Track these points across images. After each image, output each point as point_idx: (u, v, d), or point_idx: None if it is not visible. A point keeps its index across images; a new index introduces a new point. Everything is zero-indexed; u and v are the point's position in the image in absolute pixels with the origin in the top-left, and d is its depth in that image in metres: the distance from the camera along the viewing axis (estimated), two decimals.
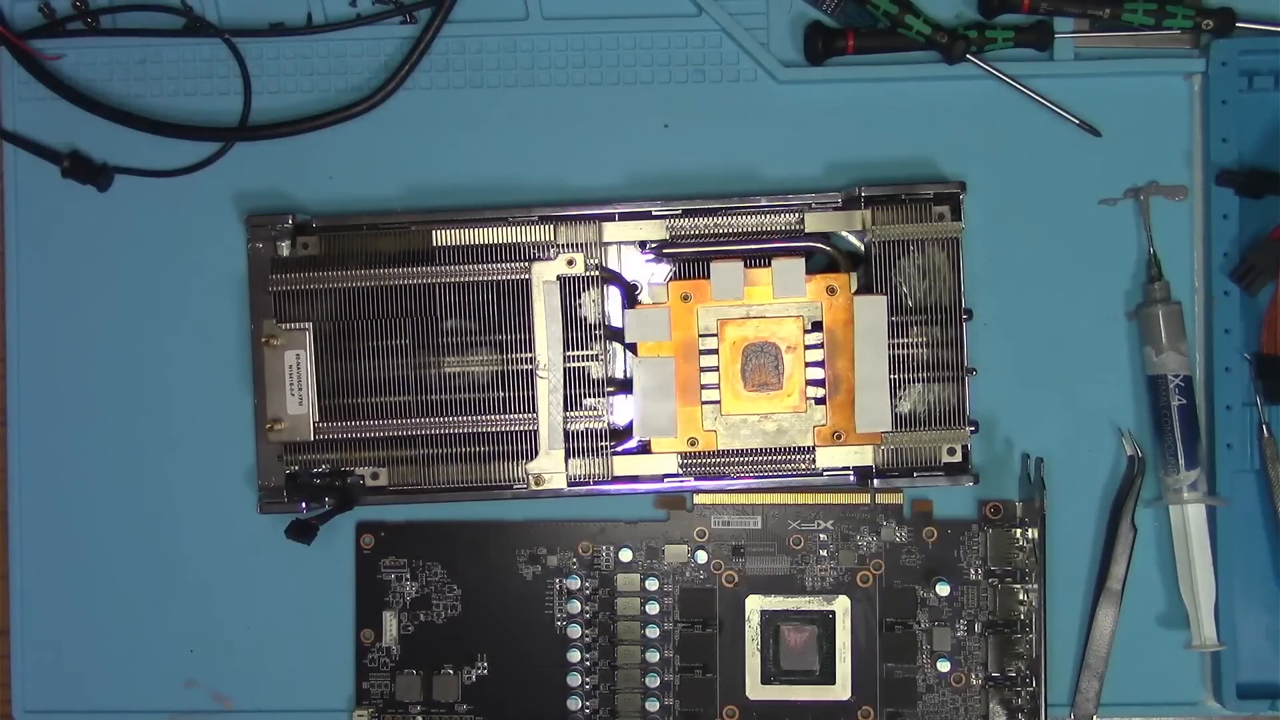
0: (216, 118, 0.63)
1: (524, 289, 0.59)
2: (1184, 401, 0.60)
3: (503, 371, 0.59)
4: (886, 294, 0.59)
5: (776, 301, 0.59)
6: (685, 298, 0.59)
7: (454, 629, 0.62)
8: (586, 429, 0.59)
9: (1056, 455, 0.61)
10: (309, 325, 0.60)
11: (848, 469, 0.60)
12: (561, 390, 0.59)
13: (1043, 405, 0.62)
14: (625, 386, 0.60)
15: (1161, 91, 0.62)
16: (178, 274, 0.63)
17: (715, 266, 0.59)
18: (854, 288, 0.59)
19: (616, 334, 0.60)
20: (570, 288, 0.59)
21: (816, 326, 0.59)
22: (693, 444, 0.59)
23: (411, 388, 0.59)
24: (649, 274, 0.61)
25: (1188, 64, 0.61)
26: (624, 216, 0.60)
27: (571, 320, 0.59)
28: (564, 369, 0.59)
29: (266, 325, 0.60)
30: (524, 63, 0.62)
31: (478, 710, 0.62)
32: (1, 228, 0.63)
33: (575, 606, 0.61)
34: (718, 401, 0.59)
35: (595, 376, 0.59)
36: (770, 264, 0.59)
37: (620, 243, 0.60)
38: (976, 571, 0.61)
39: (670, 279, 0.60)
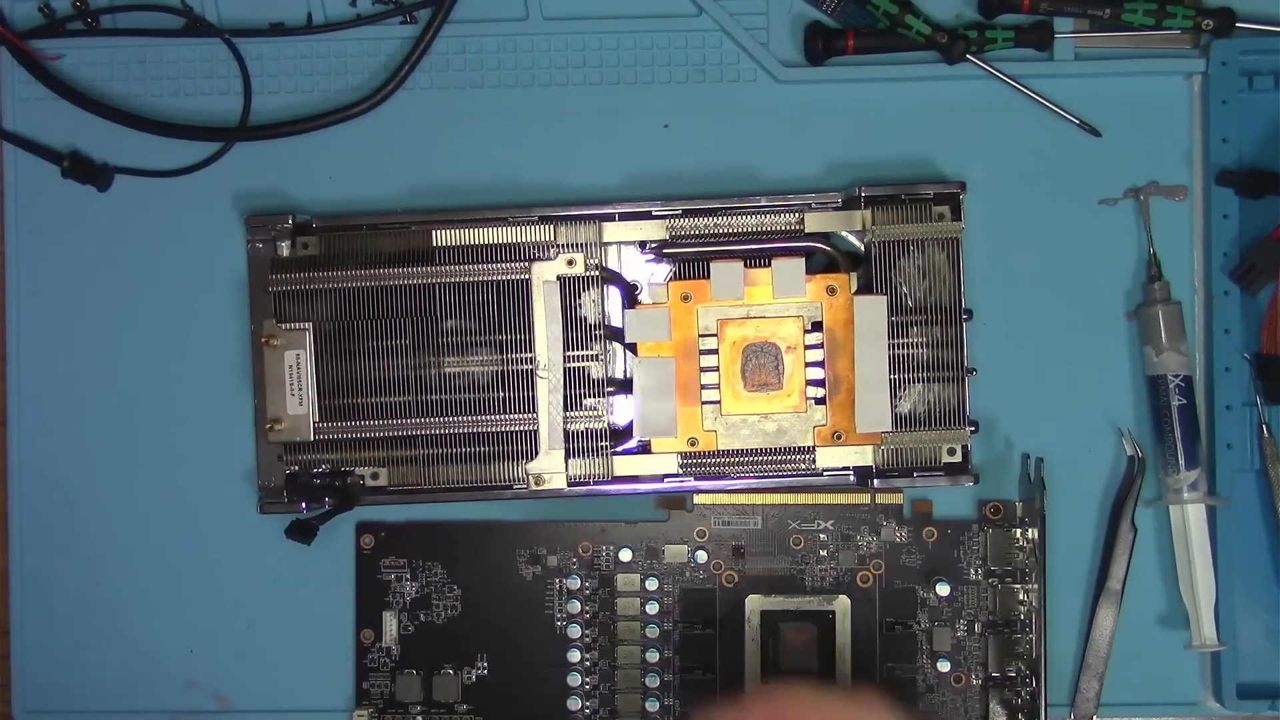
0: (216, 118, 0.63)
1: (524, 289, 0.59)
2: (1184, 401, 0.60)
3: (503, 371, 0.59)
4: (886, 294, 0.59)
5: (776, 301, 0.59)
6: (685, 298, 0.59)
7: (454, 629, 0.62)
8: (586, 429, 0.59)
9: (1056, 455, 0.61)
10: (309, 325, 0.60)
11: (848, 469, 0.60)
12: (561, 390, 0.59)
13: (1043, 405, 0.62)
14: (625, 386, 0.60)
15: (1161, 91, 0.62)
16: (178, 274, 0.63)
17: (715, 266, 0.59)
18: (854, 288, 0.59)
19: (616, 334, 0.60)
20: (570, 288, 0.59)
21: (816, 326, 0.59)
22: (693, 444, 0.59)
23: (411, 388, 0.59)
24: (649, 274, 0.61)
25: (1188, 64, 0.61)
26: (624, 216, 0.60)
27: (571, 320, 0.59)
28: (564, 369, 0.59)
29: (266, 325, 0.60)
30: (524, 63, 0.62)
31: (478, 710, 0.62)
32: (1, 228, 0.63)
33: (575, 606, 0.61)
34: (718, 401, 0.59)
35: (595, 376, 0.59)
36: (770, 264, 0.59)
37: (620, 243, 0.60)
38: (976, 571, 0.61)
39: (670, 279, 0.60)
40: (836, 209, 0.60)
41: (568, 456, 0.59)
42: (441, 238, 0.60)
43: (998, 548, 0.61)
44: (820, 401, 0.59)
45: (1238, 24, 0.60)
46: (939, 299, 0.59)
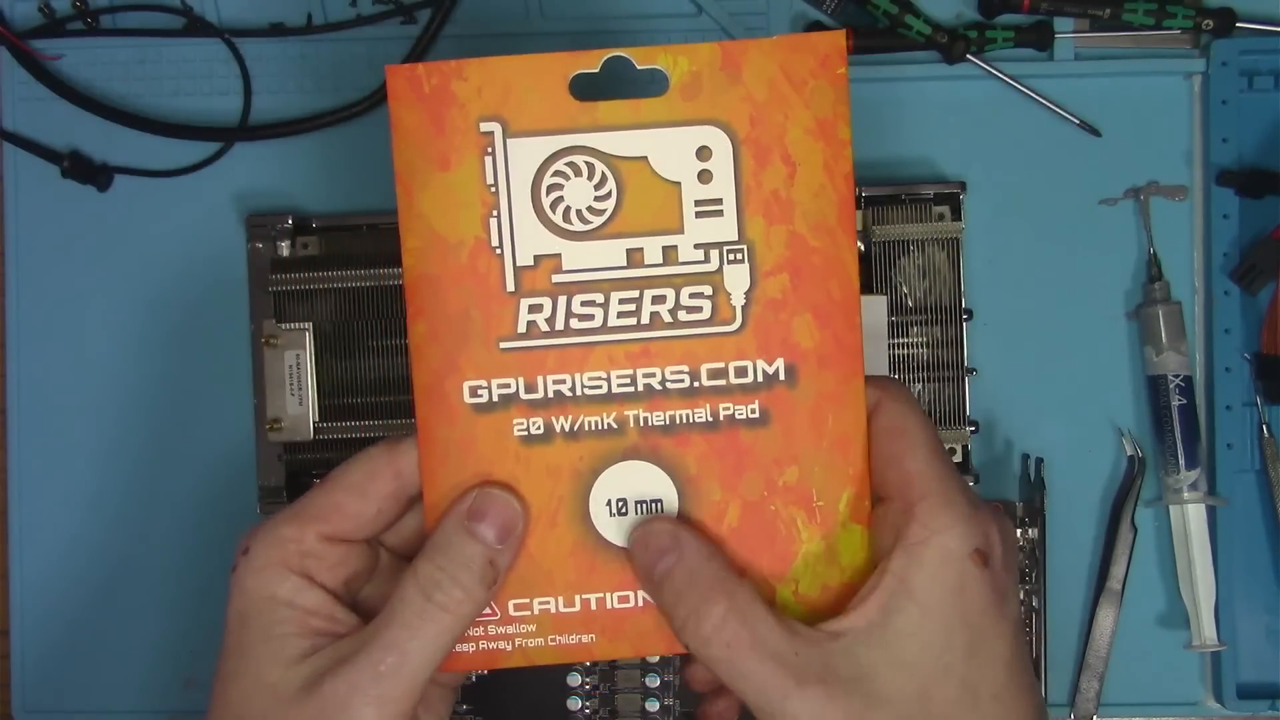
0: (216, 118, 0.63)
1: None
2: (1184, 401, 0.60)
3: None
4: (886, 294, 0.59)
5: None
6: None
7: None
8: None
9: (1056, 455, 0.61)
10: (309, 325, 0.60)
11: None
12: None
13: (1043, 405, 0.62)
14: None
15: (1161, 91, 0.62)
16: (178, 274, 0.63)
17: None
18: None
19: None
20: None
21: None
22: None
23: (411, 388, 0.59)
24: None
25: (1188, 64, 0.61)
26: None
27: None
28: None
29: (266, 325, 0.60)
30: None
31: (478, 710, 0.62)
32: (1, 228, 0.63)
33: None
34: None
35: None
36: None
37: None
38: None
39: None
40: None
41: None
42: None
43: None
44: None
45: (1238, 24, 0.60)
46: (939, 299, 0.59)
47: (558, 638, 0.41)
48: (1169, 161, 0.62)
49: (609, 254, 0.40)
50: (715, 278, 0.40)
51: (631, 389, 0.40)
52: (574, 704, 0.61)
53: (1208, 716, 0.61)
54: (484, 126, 0.40)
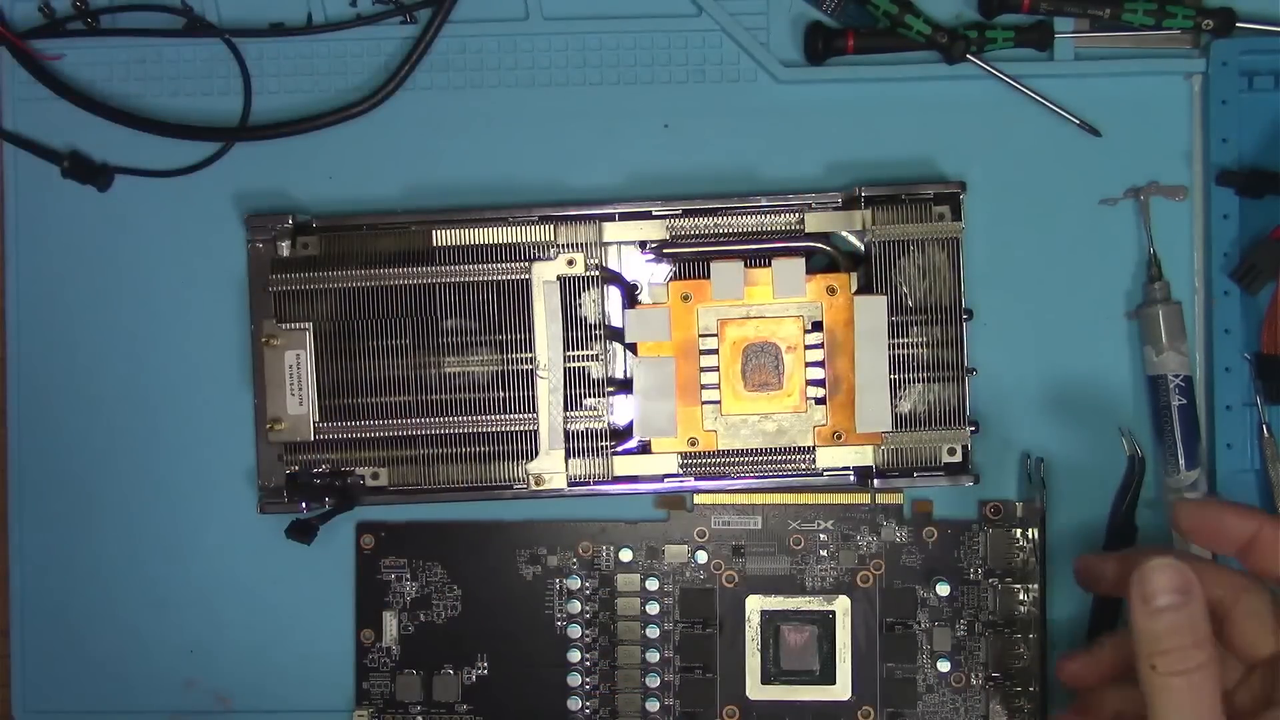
0: (216, 118, 0.63)
1: (524, 289, 0.59)
2: (1184, 401, 0.60)
3: (503, 371, 0.59)
4: (886, 294, 0.59)
5: (776, 301, 0.59)
6: (685, 298, 0.59)
7: (454, 629, 0.62)
8: (586, 429, 0.59)
9: (1056, 455, 0.61)
10: (309, 325, 0.60)
11: (848, 469, 0.60)
12: (561, 390, 0.59)
13: (1043, 405, 0.62)
14: (625, 386, 0.60)
15: (1161, 91, 0.62)
16: (178, 274, 0.63)
17: (715, 266, 0.59)
18: (854, 288, 0.59)
19: (616, 334, 0.60)
20: (570, 288, 0.60)
21: (817, 326, 0.59)
22: (693, 444, 0.59)
23: (411, 388, 0.59)
24: (649, 274, 0.61)
25: (1188, 64, 0.61)
26: (624, 216, 0.60)
27: (571, 320, 0.59)
28: (564, 369, 0.59)
29: (266, 325, 0.60)
30: (524, 63, 0.62)
31: (478, 710, 0.62)
32: (1, 228, 0.63)
33: (575, 606, 0.61)
34: (718, 401, 0.59)
35: (595, 376, 0.59)
36: (770, 264, 0.59)
37: (620, 243, 0.60)
38: (976, 571, 0.61)
39: (670, 279, 0.60)
40: (836, 209, 0.60)
41: (568, 456, 0.59)
42: (441, 238, 0.60)
43: (998, 548, 0.61)
44: (820, 401, 0.59)
45: (1238, 24, 0.60)
46: (939, 299, 0.59)
47: None
48: (1169, 161, 0.62)
49: None
50: None
51: None
52: (574, 704, 0.61)
53: None
54: None
